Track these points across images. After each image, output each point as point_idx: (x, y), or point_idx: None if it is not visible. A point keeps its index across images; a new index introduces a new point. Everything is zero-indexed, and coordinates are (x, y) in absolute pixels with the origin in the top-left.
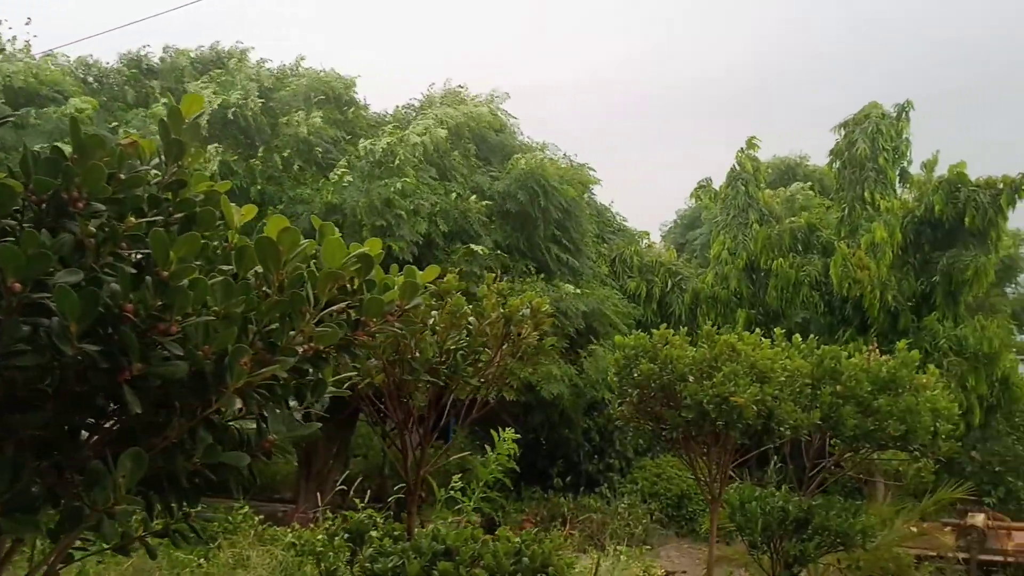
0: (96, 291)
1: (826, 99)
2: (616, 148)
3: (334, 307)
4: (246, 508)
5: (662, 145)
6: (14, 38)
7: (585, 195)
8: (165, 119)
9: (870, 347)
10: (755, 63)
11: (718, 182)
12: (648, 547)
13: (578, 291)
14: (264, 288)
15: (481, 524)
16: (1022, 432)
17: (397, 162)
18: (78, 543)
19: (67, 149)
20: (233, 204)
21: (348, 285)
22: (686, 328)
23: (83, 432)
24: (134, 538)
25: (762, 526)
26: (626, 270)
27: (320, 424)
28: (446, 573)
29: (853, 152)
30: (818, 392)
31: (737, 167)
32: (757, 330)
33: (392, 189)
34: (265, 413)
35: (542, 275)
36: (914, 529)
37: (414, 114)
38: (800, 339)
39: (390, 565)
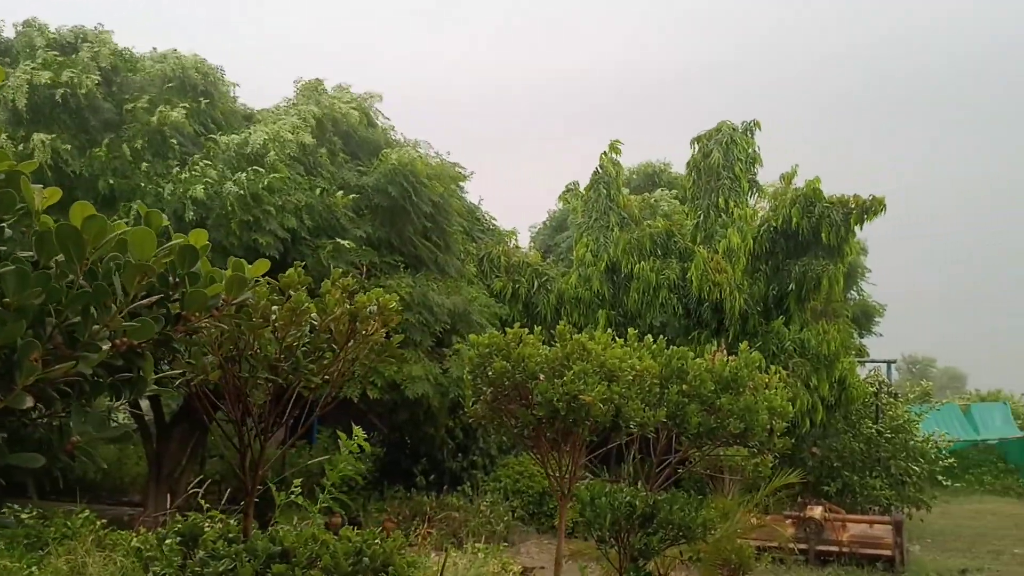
0: None
1: (706, 106)
2: (491, 151)
3: (144, 301)
4: (87, 512)
5: (539, 149)
6: None
7: (455, 193)
8: None
9: (715, 348)
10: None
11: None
12: (509, 544)
13: (444, 288)
14: (70, 279)
15: (340, 525)
16: (858, 430)
17: (270, 158)
18: None
19: None
20: (37, 186)
21: (171, 278)
22: (543, 328)
23: None
24: None
25: (610, 521)
26: (494, 269)
27: (135, 426)
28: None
29: (708, 162)
30: (665, 391)
31: (600, 170)
32: (609, 330)
33: (261, 185)
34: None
35: (410, 270)
36: (755, 521)
37: (283, 109)
38: (651, 340)
39: (222, 569)
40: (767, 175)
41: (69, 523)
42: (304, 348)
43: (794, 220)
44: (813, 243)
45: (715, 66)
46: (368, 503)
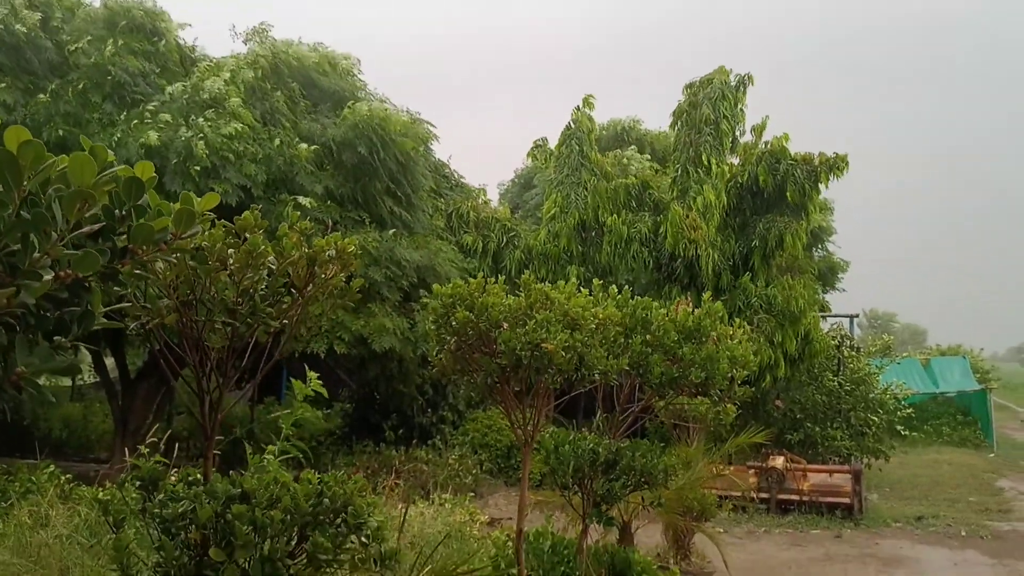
0: None
1: (671, 65)
2: (458, 109)
3: (86, 229)
4: (52, 467)
5: (506, 106)
6: None
7: (423, 149)
8: None
9: (679, 300)
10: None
11: (555, 143)
12: (477, 496)
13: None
14: (9, 210)
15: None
16: (820, 382)
17: (231, 104)
18: None
19: None
20: None
21: (117, 211)
22: (510, 283)
23: None
24: None
25: (573, 468)
26: (462, 225)
27: (82, 359)
28: (240, 516)
29: (695, 113)
30: (629, 341)
31: (572, 125)
32: (573, 280)
33: (223, 133)
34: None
35: (375, 226)
36: (717, 470)
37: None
38: (616, 290)
39: (181, 510)
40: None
41: (34, 478)
42: (262, 292)
43: (760, 177)
44: (778, 200)
45: (690, 19)
46: (336, 457)
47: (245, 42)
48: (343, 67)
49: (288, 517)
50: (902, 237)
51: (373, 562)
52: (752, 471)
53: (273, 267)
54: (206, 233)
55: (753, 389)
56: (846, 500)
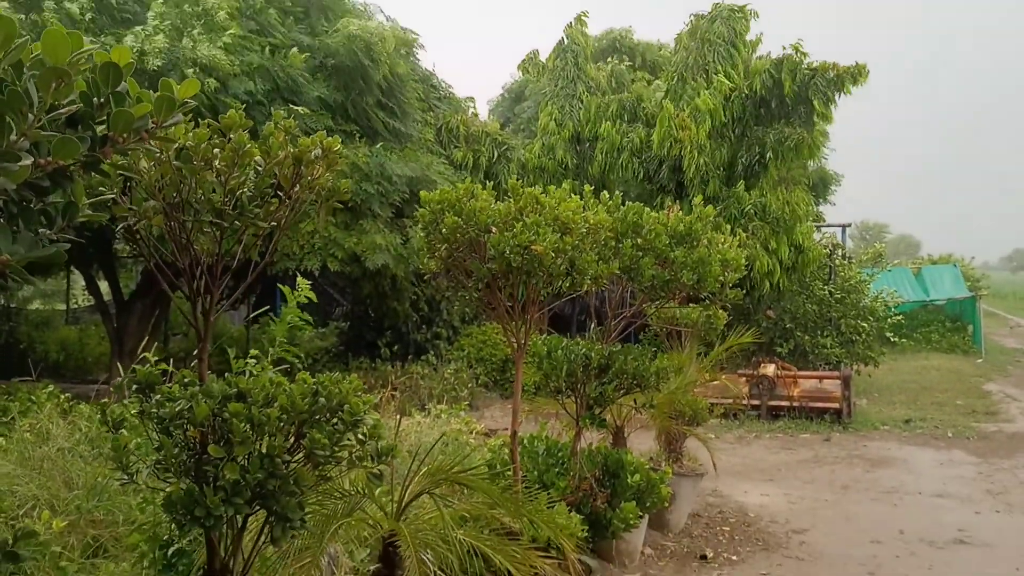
0: None
1: None
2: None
3: (63, 110)
4: (50, 387)
5: (494, 21)
6: None
7: (411, 60)
8: None
9: (670, 206)
10: None
11: (545, 56)
12: (473, 409)
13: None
14: None
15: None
16: (811, 291)
17: (222, 15)
18: None
19: None
20: None
21: (95, 99)
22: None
23: None
24: None
25: (566, 372)
26: (452, 139)
27: (67, 246)
28: (237, 414)
29: (710, 28)
30: (620, 245)
31: (566, 40)
32: (565, 185)
33: (217, 46)
34: None
35: (366, 139)
36: (708, 377)
37: None
38: (607, 196)
39: (178, 409)
40: None
41: (33, 397)
42: (249, 194)
43: (786, 83)
44: (788, 110)
45: None
46: (332, 373)
47: None
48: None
49: (285, 415)
50: (895, 151)
51: (370, 459)
52: (743, 379)
53: (260, 168)
54: (190, 133)
55: (747, 296)
56: (835, 405)
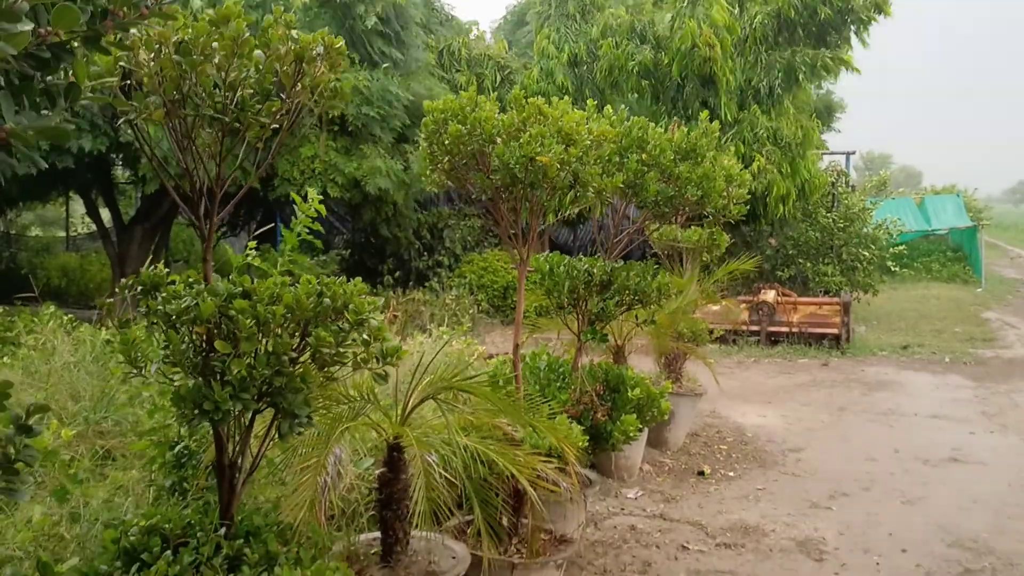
0: None
1: None
2: None
3: None
4: (52, 307)
5: None
6: None
7: None
8: None
9: (675, 121)
10: None
11: None
12: (474, 335)
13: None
14: None
15: None
16: (815, 219)
17: None
18: None
19: None
20: None
21: None
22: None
23: None
24: None
25: (568, 288)
26: (454, 63)
27: (72, 126)
28: (243, 311)
29: None
30: (624, 160)
31: None
32: (567, 98)
33: None
34: None
35: (365, 65)
36: (705, 300)
37: None
38: (611, 111)
39: (183, 305)
40: None
41: (36, 318)
42: (250, 91)
43: (822, 12)
44: (820, 33)
45: None
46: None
47: None
48: None
49: (290, 314)
50: (901, 81)
51: (376, 360)
52: (743, 305)
53: (260, 66)
54: (190, 28)
55: (757, 222)
56: (834, 331)
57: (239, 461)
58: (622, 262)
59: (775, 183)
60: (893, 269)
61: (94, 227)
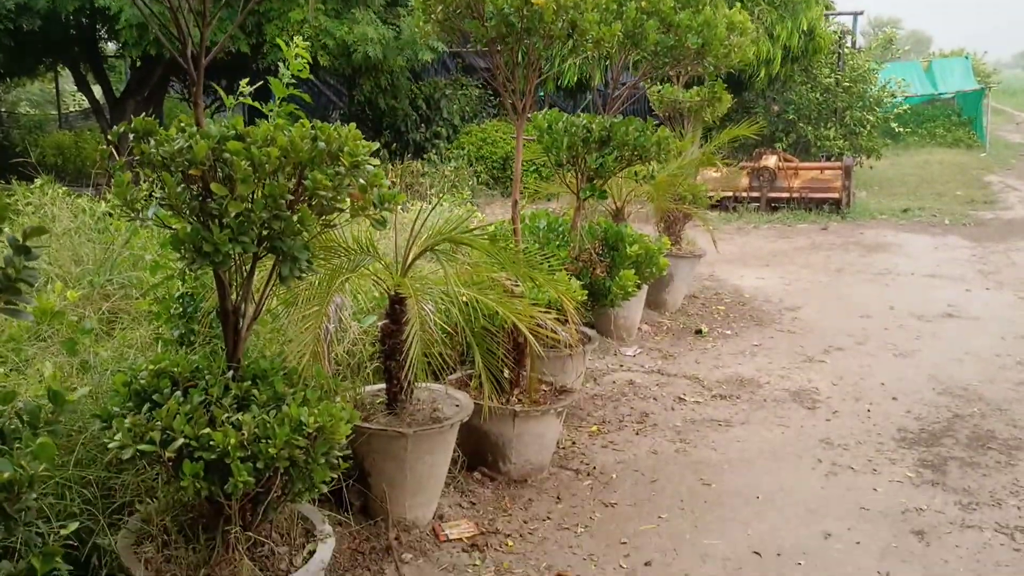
0: None
1: None
2: None
3: None
4: (46, 180)
5: None
6: None
7: None
8: None
9: None
10: None
11: None
12: (474, 206)
13: None
14: None
15: None
16: (817, 81)
17: None
18: None
19: None
20: None
21: None
22: None
23: None
24: None
25: (567, 144)
26: None
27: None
28: (237, 152)
29: None
30: (623, 8)
31: None
32: None
33: None
34: None
35: None
36: (712, 172)
37: None
38: None
39: (177, 147)
40: None
41: (35, 190)
42: None
43: None
44: None
45: None
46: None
47: None
48: None
49: (285, 156)
50: None
51: (373, 205)
52: (744, 171)
53: None
54: None
55: (745, 89)
56: (835, 195)
57: (242, 307)
58: (621, 118)
59: (758, 44)
60: (897, 131)
61: (86, 104)
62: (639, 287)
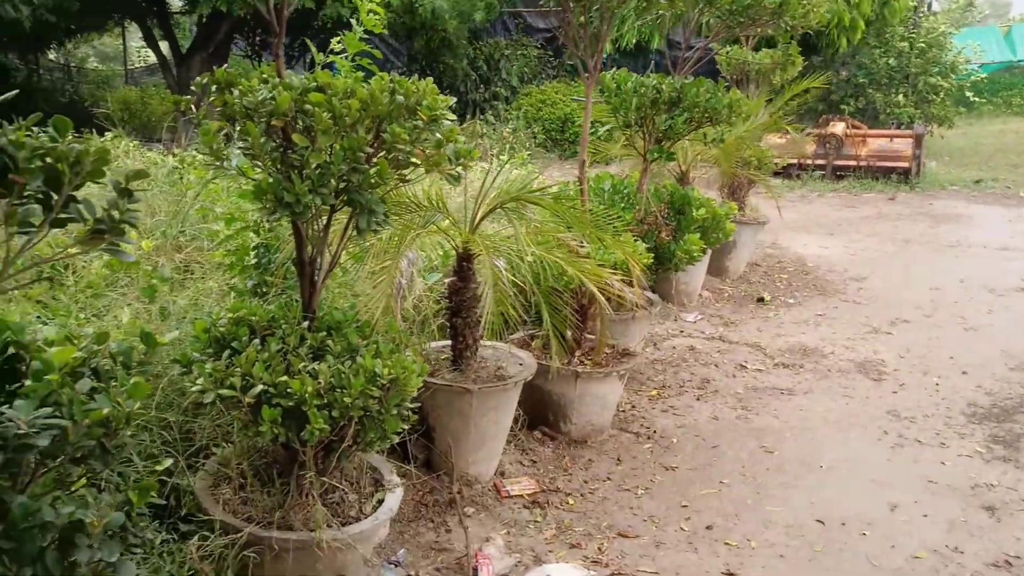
0: None
1: None
2: None
3: None
4: (118, 133)
5: None
6: None
7: None
8: None
9: None
10: None
11: None
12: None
13: None
14: None
15: None
16: (890, 46)
17: None
18: None
19: None
20: None
21: None
22: None
23: None
24: None
25: (636, 105)
26: None
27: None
28: (319, 104)
29: None
30: None
31: None
32: None
33: None
34: None
35: None
36: (777, 138)
37: None
38: None
39: (260, 98)
40: None
41: (106, 144)
42: None
43: None
44: None
45: None
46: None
47: None
48: None
49: (364, 109)
50: None
51: (448, 161)
52: (810, 137)
53: None
54: None
55: (819, 57)
56: (904, 164)
57: (318, 259)
58: (692, 78)
59: (840, 13)
60: (972, 100)
61: (152, 60)
62: (704, 252)
